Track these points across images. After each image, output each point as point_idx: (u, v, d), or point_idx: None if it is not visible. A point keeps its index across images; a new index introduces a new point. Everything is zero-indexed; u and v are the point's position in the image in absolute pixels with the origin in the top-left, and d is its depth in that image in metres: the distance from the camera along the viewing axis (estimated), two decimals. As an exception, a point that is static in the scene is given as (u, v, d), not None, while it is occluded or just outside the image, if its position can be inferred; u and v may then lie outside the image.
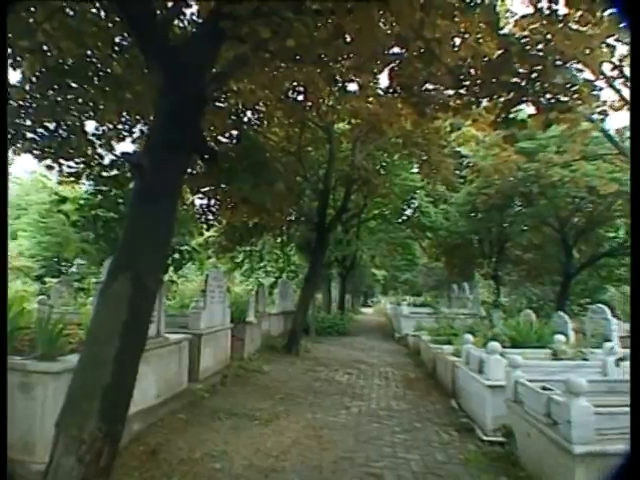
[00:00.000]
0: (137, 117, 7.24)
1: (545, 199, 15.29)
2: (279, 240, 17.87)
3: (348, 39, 4.17)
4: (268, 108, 9.08)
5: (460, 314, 12.74)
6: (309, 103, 8.54)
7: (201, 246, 14.35)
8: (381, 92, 6.89)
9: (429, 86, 5.07)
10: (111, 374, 2.79)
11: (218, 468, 4.20)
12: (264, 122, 9.85)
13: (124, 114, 7.08)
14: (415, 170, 16.21)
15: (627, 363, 5.28)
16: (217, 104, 7.41)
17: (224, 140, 8.55)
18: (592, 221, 16.29)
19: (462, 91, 4.28)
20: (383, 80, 6.38)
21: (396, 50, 4.97)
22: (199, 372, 7.19)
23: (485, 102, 4.67)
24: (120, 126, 7.35)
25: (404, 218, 21.51)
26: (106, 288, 3.06)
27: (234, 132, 8.75)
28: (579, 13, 4.18)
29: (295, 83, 7.84)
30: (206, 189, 5.73)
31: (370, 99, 7.98)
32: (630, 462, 1.78)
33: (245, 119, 9.24)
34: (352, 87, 7.45)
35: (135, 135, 7.66)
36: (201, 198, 9.69)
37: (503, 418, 4.98)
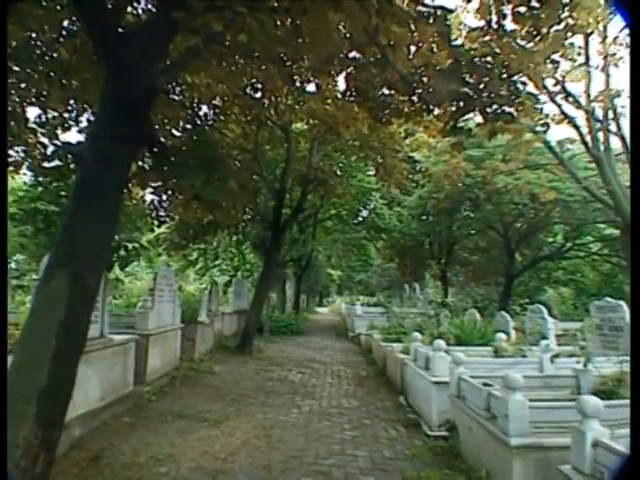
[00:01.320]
0: (84, 106, 6.87)
1: (491, 205, 16.14)
2: (235, 238, 17.61)
3: (307, 40, 4.17)
4: (225, 104, 8.93)
5: (410, 313, 13.13)
6: (267, 101, 8.48)
7: (151, 243, 13.85)
8: (339, 95, 6.99)
9: (384, 91, 5.21)
10: (47, 376, 2.64)
11: (164, 472, 4.08)
12: (220, 118, 9.68)
13: (70, 102, 6.70)
14: (371, 173, 16.53)
15: (561, 359, 5.67)
16: (171, 97, 7.20)
17: (178, 134, 8.34)
18: (533, 226, 17.36)
19: (414, 98, 4.42)
20: (341, 83, 6.50)
21: (353, 54, 5.07)
22: (146, 374, 6.96)
23: (437, 110, 4.87)
24: (66, 114, 6.94)
25: (360, 219, 21.87)
26: (43, 285, 2.89)
27: (189, 126, 8.54)
28: (525, 29, 4.44)
29: (254, 80, 7.79)
30: (156, 184, 5.53)
31: (328, 101, 8.07)
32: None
33: (201, 114, 9.04)
34: (310, 88, 7.53)
35: (82, 125, 7.27)
36: (152, 193, 9.37)
37: (447, 413, 5.19)
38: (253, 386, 7.98)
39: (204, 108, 9.08)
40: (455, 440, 4.83)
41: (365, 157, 13.35)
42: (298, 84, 7.28)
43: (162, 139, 5.89)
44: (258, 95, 8.41)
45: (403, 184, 14.26)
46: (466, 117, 5.07)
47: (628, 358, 5.19)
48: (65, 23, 5.30)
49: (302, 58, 5.54)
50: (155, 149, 3.73)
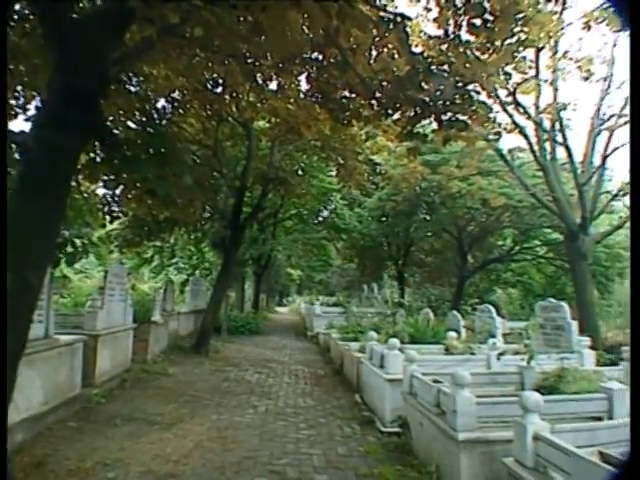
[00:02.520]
0: (33, 93, 6.48)
1: (445, 208, 16.75)
2: (193, 236, 17.20)
3: (267, 37, 4.15)
4: (184, 97, 8.73)
5: (368, 313, 13.35)
6: (227, 97, 8.36)
7: (102, 239, 13.25)
8: (302, 95, 7.01)
9: (345, 94, 5.28)
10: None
11: (111, 477, 3.95)
12: (179, 111, 9.44)
13: (18, 89, 6.30)
14: (332, 173, 16.67)
15: (507, 357, 5.97)
16: (127, 87, 6.94)
17: (134, 127, 8.05)
18: (484, 230, 18.17)
19: (374, 102, 4.50)
20: (304, 83, 6.53)
21: (314, 55, 5.10)
22: (95, 376, 6.69)
23: (396, 115, 4.99)
24: (13, 101, 6.52)
25: (320, 219, 21.99)
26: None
27: (145, 119, 8.27)
28: (480, 41, 4.64)
29: (215, 75, 7.66)
30: (107, 178, 5.29)
31: (290, 100, 8.07)
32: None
33: (159, 106, 8.77)
34: (273, 86, 7.50)
35: (30, 113, 6.85)
36: (104, 187, 8.97)
37: (400, 410, 5.33)
38: (208, 387, 7.83)
39: (162, 101, 8.85)
40: (407, 436, 4.96)
41: (326, 158, 13.45)
42: (260, 82, 7.23)
43: (115, 131, 5.67)
44: (219, 90, 8.30)
45: (363, 186, 14.50)
46: (423, 123, 5.24)
47: (568, 355, 5.56)
48: (16, 7, 4.99)
49: (264, 56, 5.52)
50: (106, 141, 3.57)
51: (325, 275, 32.14)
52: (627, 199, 13.48)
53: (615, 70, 11.90)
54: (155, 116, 8.26)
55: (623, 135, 12.22)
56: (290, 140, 12.09)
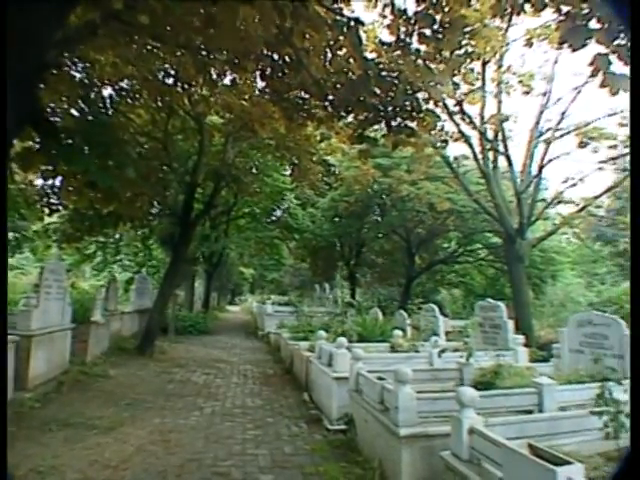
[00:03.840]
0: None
1: (396, 211, 17.24)
2: (140, 232, 16.51)
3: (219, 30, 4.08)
4: (133, 87, 8.38)
5: (318, 312, 13.45)
6: (179, 89, 8.13)
7: (38, 233, 12.40)
8: (257, 92, 6.96)
9: (299, 94, 5.31)
10: None
11: (44, 485, 3.72)
12: (127, 101, 9.04)
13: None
14: (286, 173, 16.63)
15: (448, 354, 6.24)
16: (72, 73, 6.55)
17: (77, 114, 7.62)
18: (431, 233, 18.88)
19: (327, 103, 4.55)
20: (260, 81, 6.48)
21: (269, 53, 5.08)
22: (28, 379, 6.31)
23: (349, 118, 5.08)
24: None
25: (273, 218, 21.85)
26: None
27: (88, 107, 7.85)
28: (429, 50, 4.82)
29: (167, 65, 7.43)
30: (45, 168, 4.95)
31: (245, 97, 7.98)
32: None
33: (105, 94, 8.36)
34: (228, 82, 7.38)
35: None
36: (42, 177, 8.41)
37: (347, 408, 5.43)
38: (152, 389, 7.56)
39: (109, 89, 8.45)
40: (352, 433, 5.07)
41: (281, 157, 13.40)
42: (214, 76, 7.10)
43: (54, 118, 5.34)
44: (170, 82, 8.06)
45: (317, 186, 14.60)
46: (375, 127, 5.37)
47: (504, 352, 5.91)
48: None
49: (218, 50, 5.43)
50: (41, 128, 3.34)
51: (278, 274, 32.04)
52: (560, 207, 14.56)
53: (554, 86, 12.83)
54: (101, 105, 7.87)
55: (558, 147, 13.13)
56: (244, 137, 11.92)
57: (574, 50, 2.95)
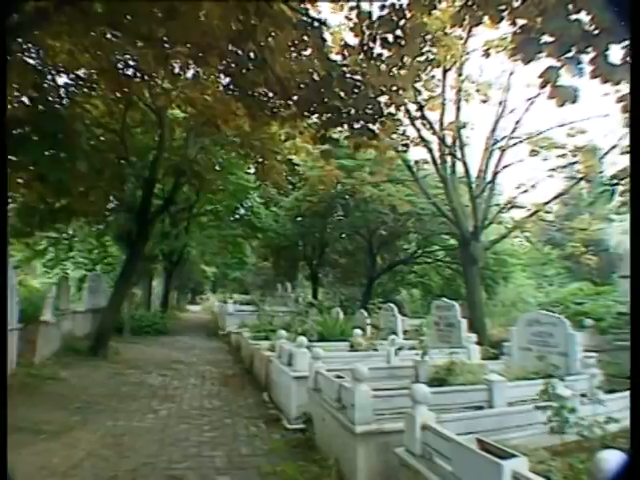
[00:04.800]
0: None
1: (359, 212, 17.45)
2: (95, 228, 15.83)
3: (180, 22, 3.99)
4: (90, 76, 8.05)
5: (280, 312, 13.41)
6: (139, 80, 7.88)
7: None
8: (222, 88, 6.86)
9: (264, 92, 5.27)
10: None
11: (-18, 496, 3.48)
12: (83, 91, 8.66)
13: None
14: (250, 171, 16.45)
15: (405, 352, 6.40)
16: (25, 59, 6.20)
17: (29, 103, 7.21)
18: (392, 234, 19.26)
19: (290, 103, 4.55)
20: (224, 77, 6.38)
21: (234, 50, 5.01)
22: (-32, 382, 5.83)
23: (313, 118, 5.10)
24: None
25: (237, 217, 21.54)
26: None
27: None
28: (391, 55, 4.92)
29: (127, 56, 7.19)
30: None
31: (208, 92, 7.83)
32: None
33: (60, 82, 7.98)
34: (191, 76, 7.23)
35: None
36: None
37: (306, 406, 5.45)
38: (105, 392, 7.28)
39: (64, 77, 8.08)
40: (311, 432, 5.09)
41: (245, 155, 13.23)
42: (177, 69, 6.94)
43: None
44: (130, 72, 7.80)
45: (281, 185, 14.52)
46: (339, 128, 5.42)
47: (457, 350, 6.13)
48: None
49: (181, 42, 5.31)
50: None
51: (240, 273, 31.63)
52: (513, 211, 15.26)
53: (509, 96, 13.39)
54: (55, 94, 7.50)
55: (512, 155, 13.75)
56: (207, 133, 11.69)
57: (526, 62, 3.11)
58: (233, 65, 5.12)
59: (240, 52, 4.82)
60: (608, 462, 1.98)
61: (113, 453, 4.64)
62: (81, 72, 8.28)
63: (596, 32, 3.04)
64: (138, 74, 7.70)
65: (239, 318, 14.76)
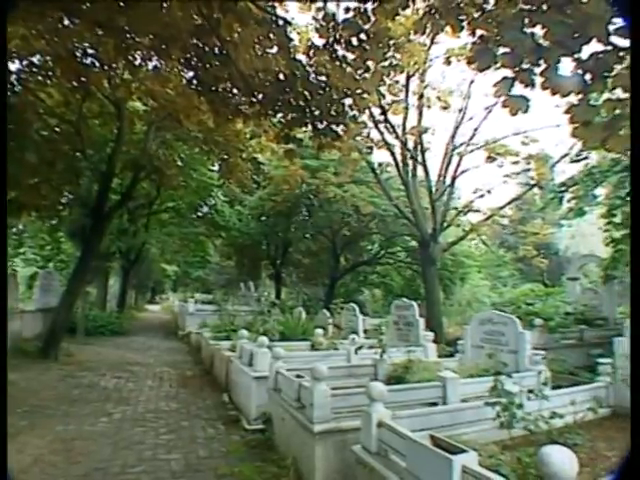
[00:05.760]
0: None
1: (323, 212, 17.55)
2: (48, 223, 15.06)
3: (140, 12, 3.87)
4: (45, 64, 7.66)
5: (242, 311, 13.26)
6: (98, 70, 7.58)
7: None
8: (185, 82, 6.71)
9: (228, 88, 5.20)
10: None
11: None
12: (38, 78, 8.23)
13: None
14: (214, 168, 16.17)
15: (364, 351, 6.49)
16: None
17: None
18: (356, 235, 19.50)
19: (254, 100, 4.52)
20: (186, 70, 6.24)
21: (197, 43, 4.92)
22: None
23: (278, 117, 5.08)
24: None
25: (199, 214, 21.10)
26: None
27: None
28: (354, 58, 4.98)
29: (86, 44, 6.92)
30: None
31: (170, 85, 7.65)
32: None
33: (13, 69, 7.55)
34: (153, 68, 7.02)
35: None
36: None
37: (266, 407, 5.42)
38: (55, 395, 6.95)
39: (17, 63, 7.67)
40: (270, 432, 5.08)
41: (208, 151, 12.98)
42: (139, 60, 6.72)
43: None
44: (88, 61, 7.49)
45: (245, 184, 14.37)
46: (304, 128, 5.43)
47: (414, 348, 6.28)
48: None
49: (142, 33, 5.16)
50: None
51: (203, 272, 31.05)
52: (470, 215, 15.86)
53: (469, 104, 13.88)
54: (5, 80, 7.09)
55: (470, 161, 14.22)
56: (168, 127, 11.39)
57: (480, 70, 3.24)
58: (196, 59, 5.01)
59: (203, 46, 4.73)
60: (551, 456, 2.08)
61: (62, 458, 4.46)
62: (35, 59, 7.90)
63: (548, 45, 3.19)
64: (97, 63, 7.42)
65: (200, 318, 14.47)
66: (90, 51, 7.18)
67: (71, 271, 12.77)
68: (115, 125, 11.44)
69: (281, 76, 4.28)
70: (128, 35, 5.23)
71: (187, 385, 8.34)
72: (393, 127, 13.18)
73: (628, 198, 9.39)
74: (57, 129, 10.35)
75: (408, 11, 6.84)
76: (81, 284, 11.64)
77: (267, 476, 4.18)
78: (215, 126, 9.64)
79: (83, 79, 7.90)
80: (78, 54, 7.20)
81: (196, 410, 6.56)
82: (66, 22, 5.78)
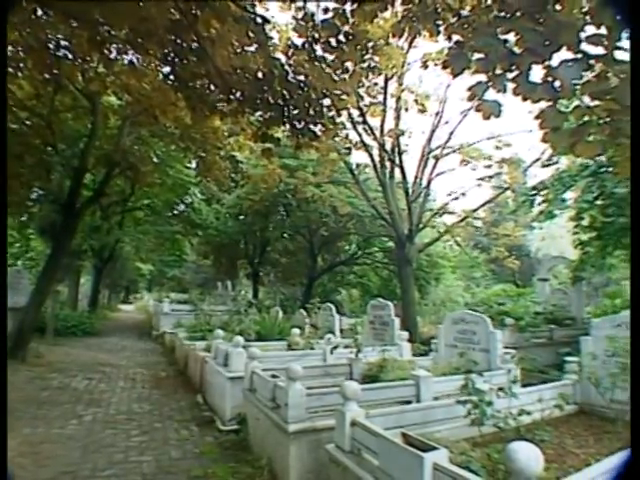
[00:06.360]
0: None
1: (300, 212, 17.54)
2: (16, 220, 14.53)
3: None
4: (16, 54, 7.39)
5: (218, 311, 13.11)
6: (71, 62, 7.37)
7: None
8: (162, 77, 6.59)
9: (205, 84, 5.14)
10: None
11: None
12: (7, 70, 7.92)
13: None
14: (191, 166, 15.94)
15: (340, 350, 6.51)
16: None
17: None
18: (333, 235, 19.56)
19: (232, 98, 4.48)
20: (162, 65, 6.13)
21: (174, 38, 4.84)
22: None
23: (257, 115, 5.05)
24: None
25: (175, 212, 20.74)
26: None
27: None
28: (333, 59, 4.99)
29: (60, 36, 6.72)
30: None
31: (146, 80, 7.50)
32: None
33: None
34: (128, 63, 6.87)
35: None
36: None
37: (241, 407, 5.38)
38: (23, 397, 6.71)
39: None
40: (245, 432, 5.05)
41: (185, 148, 12.77)
42: (115, 53, 6.56)
43: None
44: (61, 53, 7.28)
45: (223, 182, 14.21)
46: (282, 127, 5.41)
47: (389, 347, 6.34)
48: None
49: (117, 27, 5.04)
50: None
51: (179, 271, 30.57)
52: (445, 217, 16.18)
53: (445, 108, 14.11)
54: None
55: (445, 163, 14.51)
56: (144, 123, 11.14)
57: (454, 75, 3.30)
58: (173, 54, 4.93)
59: (181, 42, 4.66)
60: (517, 452, 2.14)
61: (30, 462, 4.34)
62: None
63: (520, 52, 3.27)
64: (70, 56, 7.22)
65: (175, 318, 14.24)
66: (64, 43, 7.00)
67: (41, 269, 12.35)
68: (89, 119, 11.15)
69: (259, 74, 4.25)
70: (103, 28, 5.11)
71: (160, 386, 8.20)
72: (371, 129, 13.29)
73: (596, 202, 9.75)
74: (27, 122, 10.01)
75: (387, 14, 6.91)
76: (51, 283, 11.27)
77: (241, 477, 4.16)
78: (192, 123, 9.50)
79: (55, 71, 7.68)
80: (51, 46, 7.01)
81: (169, 411, 6.46)
82: (39, 13, 5.62)
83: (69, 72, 7.94)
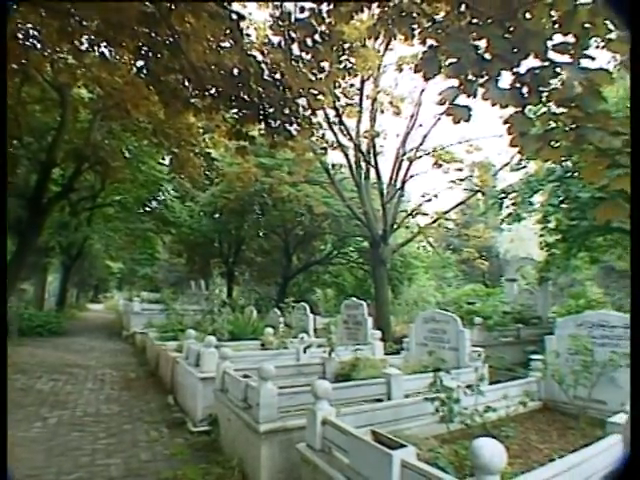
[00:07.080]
0: None
1: (276, 211, 17.46)
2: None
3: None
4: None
5: (191, 310, 12.92)
6: (39, 53, 7.12)
7: None
8: (135, 70, 6.45)
9: (178, 79, 5.05)
10: None
11: None
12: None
13: None
14: (164, 162, 15.62)
15: (313, 350, 6.54)
16: None
17: None
18: (309, 234, 19.57)
19: (206, 94, 4.42)
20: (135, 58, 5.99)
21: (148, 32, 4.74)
22: None
23: (231, 112, 4.99)
24: None
25: (148, 209, 20.25)
26: None
27: None
28: (309, 59, 4.99)
29: (29, 25, 6.48)
30: None
31: (118, 73, 7.33)
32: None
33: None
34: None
35: None
36: None
37: (212, 408, 5.31)
38: (-19, 400, 6.42)
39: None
40: (216, 433, 4.99)
41: (158, 144, 12.51)
42: (86, 45, 6.37)
43: None
44: (29, 43, 7.02)
45: (197, 179, 13.99)
46: (258, 126, 5.37)
47: (362, 346, 6.42)
48: None
49: (88, 18, 4.90)
50: None
51: (150, 269, 29.85)
52: (418, 218, 16.46)
53: (420, 111, 14.33)
54: None
55: (419, 166, 14.75)
56: (115, 117, 10.86)
57: (426, 79, 3.36)
58: (146, 48, 4.83)
59: (155, 36, 4.57)
60: (482, 448, 2.20)
61: (-10, 466, 4.15)
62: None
63: (490, 58, 3.36)
64: (39, 46, 6.98)
65: (146, 317, 13.95)
66: (33, 32, 6.75)
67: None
68: (57, 112, 10.78)
69: (235, 71, 4.21)
70: (74, 19, 4.95)
71: (130, 387, 8.01)
72: (347, 129, 13.37)
73: (562, 206, 10.12)
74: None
75: (364, 16, 6.96)
76: (15, 280, 10.86)
77: (211, 478, 4.12)
78: (166, 118, 9.31)
79: (23, 61, 7.40)
80: (20, 35, 6.75)
81: (139, 413, 6.32)
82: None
83: (37, 62, 7.67)
